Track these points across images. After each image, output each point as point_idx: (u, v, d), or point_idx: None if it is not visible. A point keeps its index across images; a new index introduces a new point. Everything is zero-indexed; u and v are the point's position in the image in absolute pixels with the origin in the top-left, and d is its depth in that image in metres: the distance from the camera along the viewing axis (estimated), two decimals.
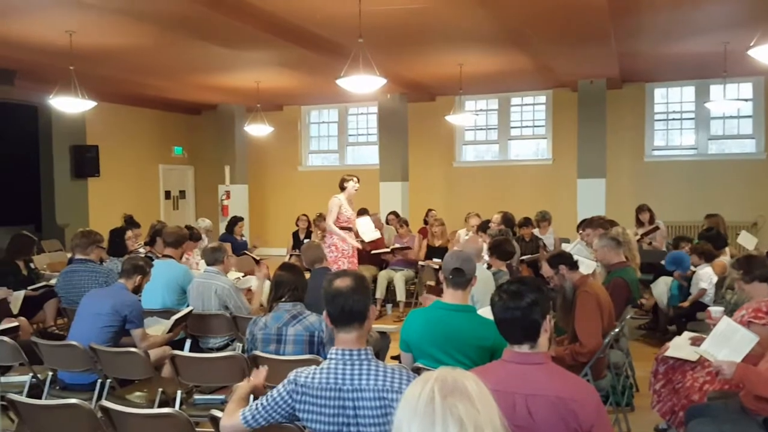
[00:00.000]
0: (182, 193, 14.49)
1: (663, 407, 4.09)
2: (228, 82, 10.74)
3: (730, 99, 10.56)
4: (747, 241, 7.18)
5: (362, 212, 8.66)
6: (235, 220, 9.25)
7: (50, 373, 4.08)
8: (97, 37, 7.49)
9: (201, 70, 9.82)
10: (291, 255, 9.10)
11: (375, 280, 8.30)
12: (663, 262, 6.96)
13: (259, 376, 2.79)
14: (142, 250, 6.74)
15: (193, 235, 6.52)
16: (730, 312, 4.49)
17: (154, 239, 6.78)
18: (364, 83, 6.80)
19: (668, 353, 4.10)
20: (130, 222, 7.63)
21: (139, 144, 13.09)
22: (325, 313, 2.51)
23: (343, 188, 7.33)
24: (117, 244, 6.35)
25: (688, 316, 6.12)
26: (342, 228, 7.29)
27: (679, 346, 4.13)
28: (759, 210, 10.69)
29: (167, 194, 14.07)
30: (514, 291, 2.31)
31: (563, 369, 2.33)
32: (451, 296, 3.39)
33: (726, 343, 3.43)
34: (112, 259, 5.90)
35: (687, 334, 4.39)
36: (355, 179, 7.42)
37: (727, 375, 3.18)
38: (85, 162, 11.48)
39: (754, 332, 3.60)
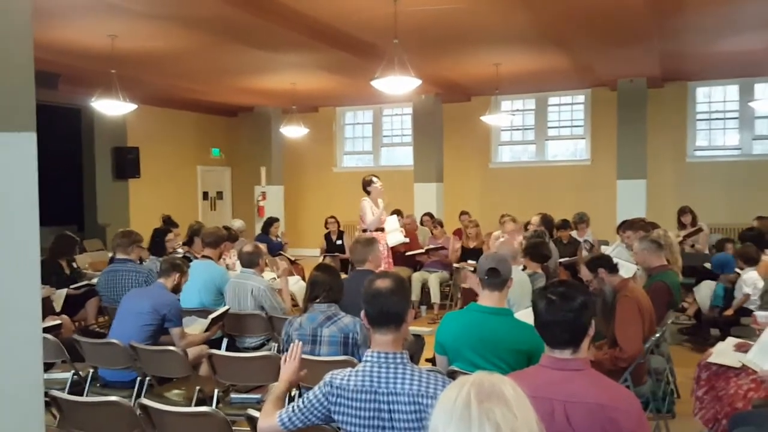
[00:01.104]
0: (219, 194, 14.69)
1: (706, 414, 3.98)
2: (264, 84, 10.85)
3: None
4: None
5: (395, 213, 8.64)
6: (271, 221, 9.34)
7: (91, 371, 4.17)
8: (138, 42, 7.64)
9: (238, 73, 9.94)
10: (324, 256, 9.14)
11: (409, 281, 8.28)
12: (706, 265, 6.78)
13: (293, 353, 2.71)
14: (180, 250, 6.85)
15: (231, 236, 6.59)
16: None
17: (192, 239, 6.88)
18: (399, 84, 6.79)
19: (711, 359, 3.99)
20: (169, 222, 7.76)
21: (177, 146, 13.32)
22: (363, 312, 2.50)
23: (367, 191, 7.21)
24: (158, 244, 6.46)
25: (733, 321, 5.95)
26: (374, 231, 7.20)
27: (723, 353, 4.01)
28: None
29: (205, 195, 14.28)
30: (564, 293, 2.25)
31: (603, 375, 2.27)
32: (487, 298, 3.35)
33: None
34: (152, 259, 6.01)
35: (731, 340, 4.26)
36: (376, 179, 7.26)
37: None
38: (126, 163, 11.73)
39: None
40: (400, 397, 2.34)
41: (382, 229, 6.66)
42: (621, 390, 2.24)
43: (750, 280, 6.00)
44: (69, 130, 11.33)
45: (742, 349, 3.87)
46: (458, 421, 1.38)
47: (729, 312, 5.96)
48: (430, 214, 10.22)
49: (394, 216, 7.29)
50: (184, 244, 7.02)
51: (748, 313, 5.55)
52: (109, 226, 11.31)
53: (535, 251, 5.43)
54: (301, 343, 2.79)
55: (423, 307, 8.33)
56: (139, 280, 5.13)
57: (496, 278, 3.33)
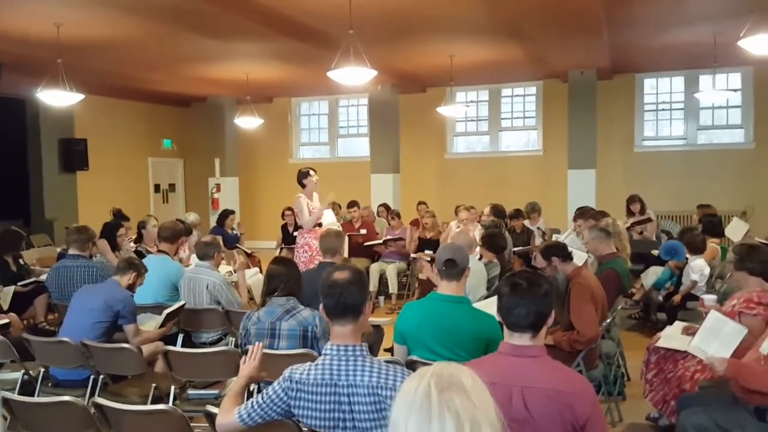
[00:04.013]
0: (172, 187, 14.41)
1: (655, 396, 4.13)
2: (217, 74, 10.67)
3: (719, 89, 10.60)
4: (736, 230, 7.21)
5: (332, 206, 8.50)
6: (226, 213, 9.21)
7: (42, 370, 4.06)
8: (85, 30, 7.41)
9: (190, 62, 9.74)
10: (281, 248, 9.08)
11: (367, 272, 8.30)
12: (654, 252, 7.00)
13: (253, 354, 2.73)
14: (132, 245, 6.71)
15: (185, 230, 6.48)
16: (720, 301, 4.53)
17: (142, 234, 6.74)
18: (354, 75, 6.77)
19: (660, 343, 4.13)
20: (120, 216, 7.58)
21: (128, 137, 13.00)
22: (321, 305, 2.51)
23: (303, 184, 6.65)
24: (109, 239, 6.30)
25: (680, 306, 6.15)
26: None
27: (671, 337, 4.17)
28: (748, 199, 10.75)
29: (157, 188, 13.99)
30: (530, 279, 2.35)
31: (559, 363, 2.34)
32: (446, 288, 3.40)
33: (716, 337, 3.46)
34: (103, 255, 5.86)
35: (678, 324, 4.42)
36: (312, 172, 6.73)
37: (719, 371, 3.21)
38: (74, 155, 11.39)
39: (745, 322, 3.64)
40: (360, 389, 2.36)
41: (320, 224, 6.34)
42: (577, 377, 2.31)
43: (697, 266, 6.21)
44: (13, 122, 10.94)
45: (689, 332, 4.02)
46: (419, 411, 1.39)
47: (677, 298, 6.17)
48: (386, 205, 10.26)
49: (330, 210, 7.12)
50: (135, 240, 6.88)
51: (695, 298, 5.75)
52: (56, 220, 11.00)
53: (491, 242, 5.52)
54: (261, 344, 2.77)
55: (381, 298, 8.37)
56: (90, 276, 5.00)
57: (454, 268, 3.38)
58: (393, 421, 1.44)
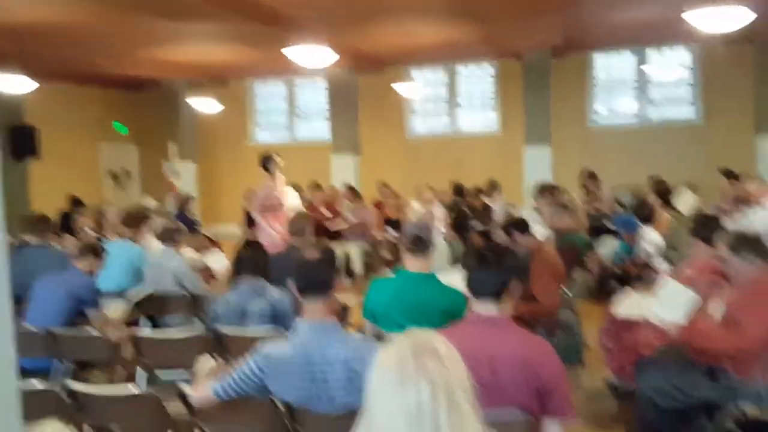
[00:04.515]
0: (127, 173, 14.11)
1: (613, 363, 4.29)
2: (171, 56, 10.45)
3: (669, 66, 10.91)
4: (685, 202, 7.49)
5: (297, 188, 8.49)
6: (186, 199, 9.11)
7: None
8: (31, 14, 7.17)
9: (142, 45, 9.52)
10: (246, 232, 9.02)
11: None
12: (608, 225, 7.22)
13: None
14: (90, 232, 6.59)
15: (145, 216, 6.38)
16: (673, 270, 4.72)
17: (100, 222, 6.63)
18: (311, 54, 6.74)
19: (620, 312, 4.29)
20: (77, 203, 7.43)
21: (80, 123, 12.65)
22: (292, 283, 2.55)
23: (267, 169, 6.55)
24: (64, 227, 6.19)
25: (634, 276, 6.37)
26: (275, 210, 6.59)
27: (628, 306, 4.33)
28: (698, 173, 11.12)
29: (111, 174, 13.68)
30: (497, 251, 2.47)
31: (525, 330, 2.44)
32: (413, 264, 3.47)
33: (670, 303, 3.62)
34: (62, 243, 5.75)
35: (633, 293, 4.59)
36: (276, 156, 6.63)
37: (674, 336, 3.38)
38: (24, 143, 11.05)
39: (697, 288, 3.82)
40: (333, 362, 2.42)
41: (281, 204, 6.28)
42: (544, 344, 2.41)
43: (650, 237, 6.43)
44: None
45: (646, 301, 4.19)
46: (395, 378, 1.45)
47: (631, 268, 6.39)
48: (350, 187, 10.26)
49: (294, 192, 7.07)
50: (94, 228, 6.75)
51: (650, 268, 5.96)
52: (7, 209, 10.66)
53: (457, 222, 5.62)
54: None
55: (346, 278, 8.42)
56: (53, 264, 4.91)
57: (421, 245, 3.45)
58: (369, 389, 1.49)
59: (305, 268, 2.50)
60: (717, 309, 3.38)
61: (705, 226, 3.96)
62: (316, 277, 2.49)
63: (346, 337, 2.49)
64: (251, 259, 3.71)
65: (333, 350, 2.43)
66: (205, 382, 2.55)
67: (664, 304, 3.61)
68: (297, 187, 9.89)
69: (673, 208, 7.19)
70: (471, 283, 2.45)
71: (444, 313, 3.28)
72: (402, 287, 3.38)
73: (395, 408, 1.42)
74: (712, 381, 3.25)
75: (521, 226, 4.40)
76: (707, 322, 3.39)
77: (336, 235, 8.69)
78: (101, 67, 11.22)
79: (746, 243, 3.23)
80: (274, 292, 3.67)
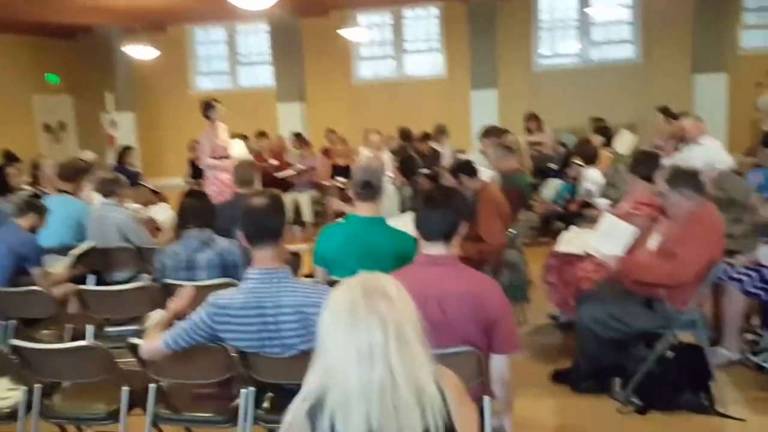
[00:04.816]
0: (62, 125, 13.54)
1: (556, 297, 4.46)
2: (103, 1, 9.92)
3: (610, 5, 11.01)
4: (624, 142, 7.68)
5: (242, 137, 8.34)
6: (125, 150, 8.83)
7: None
8: None
9: None
10: (189, 183, 8.85)
11: None
12: (551, 166, 7.37)
13: (184, 296, 2.77)
14: (27, 187, 6.35)
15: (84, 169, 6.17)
16: (612, 206, 4.88)
17: (36, 176, 6.38)
18: None
19: (561, 248, 4.44)
20: (10, 157, 7.11)
21: (9, 74, 11.98)
22: (241, 232, 2.53)
23: (208, 116, 6.37)
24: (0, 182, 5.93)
25: (576, 214, 6.56)
26: (220, 158, 6.45)
27: (569, 242, 4.48)
28: (637, 112, 11.40)
29: (46, 127, 13.10)
30: (444, 193, 2.52)
31: (470, 268, 2.51)
32: (363, 209, 3.47)
33: (610, 238, 3.77)
34: None
35: (575, 229, 4.73)
36: (216, 102, 6.45)
37: (613, 268, 3.53)
38: None
39: (635, 223, 3.98)
40: (286, 309, 2.44)
41: (226, 157, 6.15)
42: (486, 279, 2.49)
43: (591, 176, 6.60)
44: None
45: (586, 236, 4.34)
46: (346, 318, 1.47)
47: (573, 206, 6.57)
48: (296, 134, 10.13)
49: (240, 142, 6.91)
50: (30, 183, 6.50)
51: (591, 206, 6.14)
52: None
53: (405, 166, 5.63)
54: (191, 288, 2.78)
55: (296, 227, 8.40)
56: None
57: (370, 189, 3.45)
58: (322, 331, 1.51)
59: (253, 216, 2.48)
60: (654, 242, 3.53)
61: (643, 164, 4.09)
62: (265, 224, 2.47)
63: (297, 283, 2.50)
64: (196, 210, 3.66)
65: (285, 297, 2.44)
66: (156, 334, 2.54)
67: (603, 239, 3.75)
68: (243, 137, 9.75)
69: (613, 149, 7.37)
70: (420, 226, 2.48)
71: (395, 256, 3.31)
72: (352, 232, 3.40)
73: (347, 348, 1.45)
74: (649, 311, 3.42)
75: (468, 169, 4.46)
76: (644, 254, 3.55)
77: (285, 184, 8.61)
78: (29, 14, 10.56)
79: (683, 178, 3.35)
80: (222, 242, 3.64)
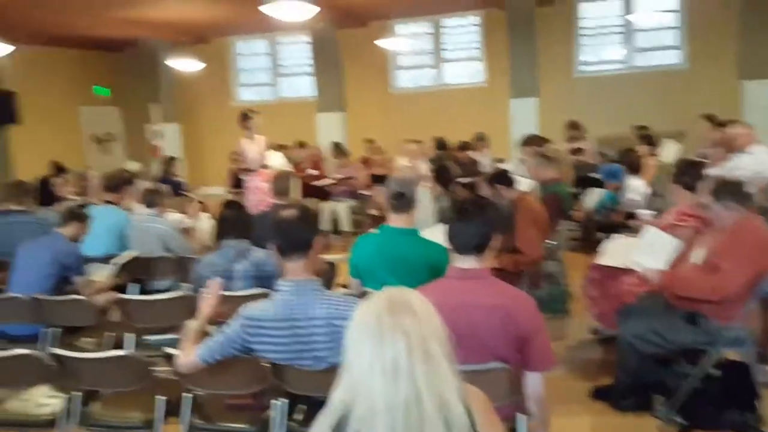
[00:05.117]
0: (110, 136, 13.93)
1: (597, 311, 4.36)
2: (147, 15, 10.19)
3: (655, 10, 10.76)
4: (669, 151, 7.49)
5: (281, 148, 8.41)
6: (170, 161, 9.03)
7: None
8: None
9: (118, 4, 9.27)
10: (231, 194, 8.98)
11: (318, 212, 8.35)
12: (593, 175, 7.23)
13: (212, 291, 2.78)
14: (76, 198, 6.54)
15: (128, 179, 6.32)
16: (656, 217, 4.75)
17: (84, 187, 6.56)
18: (290, 9, 6.59)
19: (603, 261, 4.33)
20: (58, 168, 7.34)
21: (59, 87, 12.39)
22: (273, 244, 2.55)
23: (246, 126, 6.55)
24: (45, 193, 6.12)
25: (619, 225, 6.41)
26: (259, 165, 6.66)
27: (612, 254, 4.36)
28: (684, 120, 11.07)
29: (94, 138, 13.50)
30: (477, 204, 2.48)
31: (503, 282, 2.46)
32: (396, 220, 3.46)
33: (652, 250, 3.66)
34: (45, 209, 5.70)
35: (618, 238, 4.59)
36: (252, 113, 6.63)
37: (654, 282, 3.42)
38: (3, 109, 10.84)
39: (679, 235, 3.86)
40: (317, 321, 2.44)
41: (265, 166, 6.26)
42: (520, 293, 2.43)
43: (635, 186, 6.45)
44: None
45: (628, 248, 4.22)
46: (371, 333, 1.46)
47: (616, 217, 6.42)
48: (335, 144, 10.18)
49: (278, 153, 7.03)
50: (77, 193, 6.69)
51: (634, 217, 5.99)
52: None
53: (440, 176, 5.60)
54: (220, 280, 2.81)
55: (334, 236, 8.44)
56: (35, 231, 4.86)
57: (403, 200, 3.44)
58: (347, 346, 1.51)
59: (283, 228, 2.49)
60: (698, 255, 3.42)
61: (687, 173, 3.97)
62: (295, 236, 2.48)
63: (328, 295, 2.50)
64: (234, 221, 3.70)
65: (315, 309, 2.44)
66: (191, 347, 2.56)
67: (645, 251, 3.65)
68: (282, 147, 9.86)
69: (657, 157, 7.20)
70: (452, 238, 2.45)
71: (427, 267, 3.29)
72: (384, 243, 3.39)
73: (373, 363, 1.44)
74: (693, 326, 3.31)
75: (505, 178, 4.40)
76: (687, 268, 3.43)
77: (324, 194, 8.67)
78: (78, 28, 10.93)
79: (727, 189, 3.24)
80: (259, 253, 3.67)
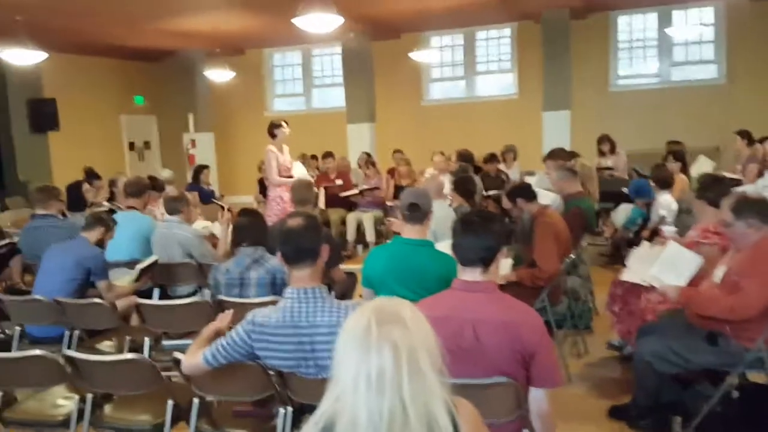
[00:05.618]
0: (147, 144, 14.24)
1: (621, 327, 4.26)
2: (185, 26, 10.44)
3: (692, 24, 10.57)
4: (703, 166, 7.33)
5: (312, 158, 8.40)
6: (200, 169, 9.18)
7: (18, 329, 4.11)
8: None
9: (155, 15, 9.51)
10: (259, 202, 9.09)
11: (344, 222, 8.38)
12: (624, 190, 7.09)
13: (224, 319, 2.83)
14: (105, 203, 6.69)
15: (156, 186, 6.46)
16: (682, 233, 4.63)
17: (113, 192, 6.70)
18: (321, 22, 6.66)
19: (624, 277, 4.24)
20: (91, 175, 7.53)
21: (98, 95, 12.76)
22: (279, 253, 2.56)
23: (273, 135, 6.67)
24: (75, 198, 6.27)
25: (648, 241, 6.27)
26: (283, 177, 6.61)
27: (634, 269, 4.26)
28: (721, 135, 10.84)
29: (131, 145, 13.83)
30: (482, 217, 2.45)
31: (510, 296, 2.42)
32: (410, 231, 3.46)
33: (673, 267, 3.57)
34: (74, 214, 5.85)
35: (646, 246, 4.44)
36: (283, 124, 6.73)
37: (673, 300, 3.34)
38: (44, 116, 11.18)
39: (702, 252, 3.76)
40: (320, 329, 2.44)
41: (289, 177, 6.33)
42: (527, 309, 2.39)
43: (664, 202, 6.31)
44: None
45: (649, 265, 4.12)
46: (360, 343, 1.45)
47: (645, 233, 6.28)
48: (367, 154, 10.20)
49: (299, 163, 7.09)
50: (108, 198, 6.85)
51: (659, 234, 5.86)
52: (30, 182, 10.86)
53: (462, 186, 5.56)
54: (231, 311, 2.84)
55: (359, 246, 8.45)
56: (61, 235, 4.99)
57: (417, 212, 3.43)
58: (336, 353, 1.50)
59: (289, 236, 2.51)
60: (721, 273, 3.32)
61: (710, 189, 3.86)
62: (301, 245, 2.49)
63: (332, 303, 2.50)
64: (249, 228, 3.74)
65: (319, 317, 2.45)
66: (197, 350, 2.59)
67: (666, 267, 3.56)
68: (313, 157, 9.93)
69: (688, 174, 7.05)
70: (457, 251, 2.43)
71: (439, 279, 3.25)
72: (397, 254, 3.38)
73: (358, 373, 1.42)
74: (713, 347, 3.21)
75: (525, 191, 4.35)
76: (707, 286, 3.34)
77: (350, 204, 8.70)
78: (118, 39, 11.25)
79: (749, 206, 3.14)
80: (274, 261, 3.69)
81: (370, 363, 1.41)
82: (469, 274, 2.39)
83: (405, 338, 1.44)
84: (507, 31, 12.50)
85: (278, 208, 6.19)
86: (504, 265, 4.24)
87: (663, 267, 3.62)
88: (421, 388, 1.42)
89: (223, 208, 7.43)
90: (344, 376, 1.45)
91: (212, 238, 5.51)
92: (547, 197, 5.02)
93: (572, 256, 4.33)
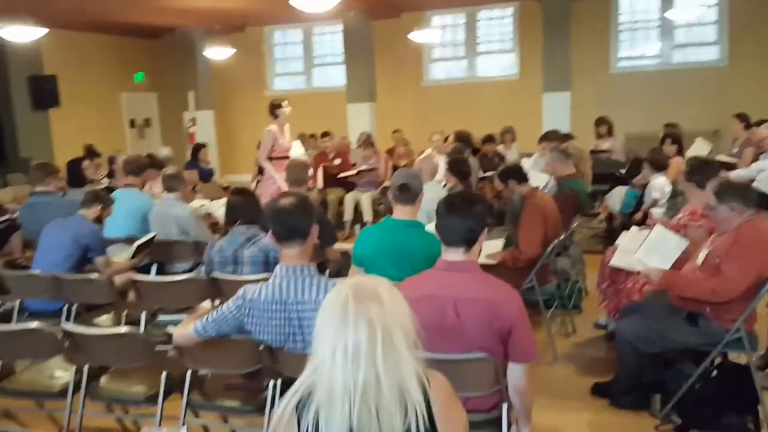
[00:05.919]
0: (147, 121, 14.26)
1: (609, 305, 4.34)
2: (185, 2, 10.38)
3: (693, 5, 10.50)
4: (699, 149, 7.35)
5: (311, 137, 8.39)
6: (199, 147, 9.22)
7: (17, 302, 4.20)
8: None
9: None
10: (257, 181, 9.14)
11: (341, 202, 8.44)
12: (620, 172, 7.13)
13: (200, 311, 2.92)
14: (104, 180, 6.76)
15: (155, 164, 6.52)
16: (671, 216, 4.69)
17: (113, 170, 6.76)
18: (318, 0, 6.65)
19: (612, 262, 4.30)
20: (91, 152, 7.58)
21: (99, 72, 12.74)
22: (270, 231, 2.63)
23: (275, 116, 6.59)
24: (75, 175, 6.33)
25: (640, 224, 6.32)
26: (280, 158, 6.57)
27: (621, 253, 4.32)
28: (721, 117, 10.82)
29: (132, 123, 13.85)
30: (464, 198, 2.50)
31: (490, 275, 2.49)
32: (400, 212, 3.52)
33: (658, 249, 3.63)
34: (74, 191, 5.92)
35: (634, 229, 4.50)
36: (285, 103, 6.67)
37: (655, 282, 3.41)
38: (44, 92, 11.19)
39: (690, 234, 3.82)
40: (307, 305, 2.52)
41: (287, 158, 6.35)
42: (505, 287, 2.46)
43: (658, 184, 6.35)
44: None
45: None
46: (337, 319, 1.52)
47: (638, 215, 6.34)
48: (362, 134, 10.22)
49: (297, 141, 7.09)
50: (107, 175, 6.91)
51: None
52: (31, 158, 10.92)
53: (455, 167, 5.60)
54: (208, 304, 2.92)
55: (357, 226, 8.51)
56: (60, 211, 5.06)
57: (407, 193, 3.49)
58: (316, 329, 1.57)
59: (280, 215, 2.58)
60: (702, 255, 3.38)
61: (697, 171, 3.90)
62: (291, 224, 2.56)
63: (320, 281, 2.57)
64: (242, 207, 3.80)
65: (306, 294, 2.52)
66: (189, 322, 2.68)
67: (651, 250, 3.63)
68: (312, 137, 9.95)
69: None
70: (440, 231, 2.50)
71: (428, 259, 3.31)
72: (387, 234, 3.45)
73: (336, 347, 1.50)
74: (693, 327, 3.28)
75: (515, 173, 4.40)
76: (689, 268, 3.40)
77: (348, 184, 8.75)
78: (118, 15, 11.21)
79: (732, 190, 3.19)
80: (267, 239, 3.75)
81: (347, 337, 1.49)
82: (452, 254, 2.46)
83: (381, 315, 1.52)
84: (509, 11, 12.44)
85: (273, 187, 6.24)
86: (495, 246, 4.32)
87: (648, 250, 3.68)
88: (394, 362, 1.50)
89: (223, 188, 7.48)
90: (322, 349, 1.53)
91: (208, 218, 5.57)
92: (539, 179, 5.07)
93: (563, 237, 4.39)
